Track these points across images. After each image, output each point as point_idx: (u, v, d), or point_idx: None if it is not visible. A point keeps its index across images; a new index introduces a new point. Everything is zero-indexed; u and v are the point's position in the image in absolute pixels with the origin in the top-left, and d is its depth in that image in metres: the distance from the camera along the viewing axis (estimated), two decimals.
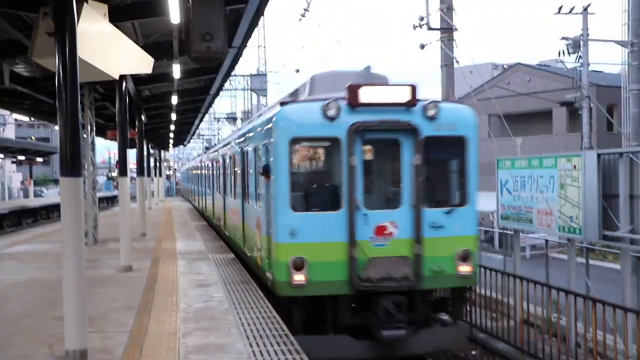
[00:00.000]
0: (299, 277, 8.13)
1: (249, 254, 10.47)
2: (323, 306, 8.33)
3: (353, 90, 8.20)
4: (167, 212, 28.18)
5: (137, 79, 14.11)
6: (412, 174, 8.37)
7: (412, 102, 8.28)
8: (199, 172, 25.89)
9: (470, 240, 8.51)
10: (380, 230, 8.35)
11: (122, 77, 10.87)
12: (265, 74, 38.45)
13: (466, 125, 8.60)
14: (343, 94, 8.30)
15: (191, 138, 43.53)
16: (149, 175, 27.18)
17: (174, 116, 21.25)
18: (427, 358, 9.44)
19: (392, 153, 8.55)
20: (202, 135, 58.62)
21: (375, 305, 8.22)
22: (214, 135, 57.84)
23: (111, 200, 52.34)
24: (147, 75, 13.56)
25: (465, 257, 8.52)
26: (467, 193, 8.61)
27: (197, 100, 19.18)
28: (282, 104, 8.56)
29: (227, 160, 13.62)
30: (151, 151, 33.27)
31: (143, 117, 18.07)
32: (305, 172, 8.69)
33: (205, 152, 28.59)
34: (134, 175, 25.68)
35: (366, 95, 8.23)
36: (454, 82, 14.32)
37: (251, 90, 38.54)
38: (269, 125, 8.63)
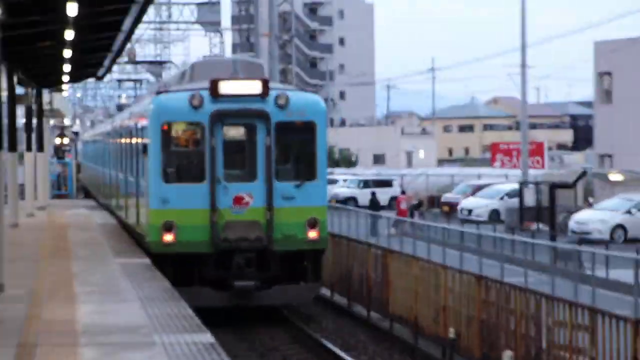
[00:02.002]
0: (168, 237, 19.50)
1: (135, 226, 23.18)
2: (190, 262, 19.63)
3: (214, 83, 19.66)
4: (57, 233, 27.89)
5: None
6: (265, 153, 19.74)
7: (264, 93, 19.72)
8: (123, 142, 28.06)
9: (318, 210, 20.05)
10: (238, 200, 19.74)
11: None
12: None
13: (314, 112, 20.19)
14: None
15: (114, 62, 40.47)
16: (13, 148, 25.12)
17: (73, 7, 19.63)
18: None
19: (248, 135, 20.18)
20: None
21: (231, 261, 19.57)
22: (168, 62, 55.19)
23: None
24: None
25: (313, 224, 19.83)
26: (317, 169, 20.14)
27: None
28: (158, 93, 20.91)
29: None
30: (19, 92, 30.89)
31: None
32: (176, 150, 20.46)
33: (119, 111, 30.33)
34: None
35: (225, 87, 19.65)
36: None
37: None
38: (146, 111, 20.96)
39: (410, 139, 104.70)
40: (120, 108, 44.42)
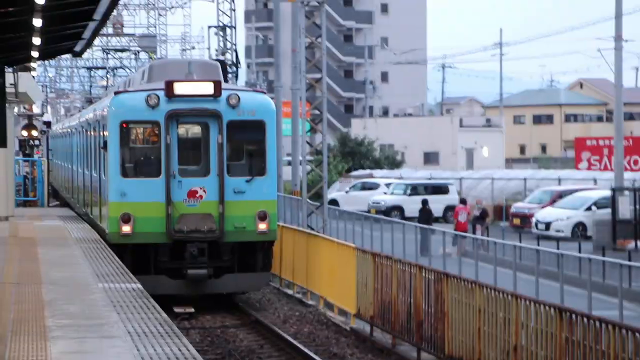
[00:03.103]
0: (126, 228, 28.15)
1: (97, 221, 32.12)
2: (147, 252, 28.32)
3: (169, 84, 27.87)
4: (25, 250, 28.29)
5: None
6: (217, 150, 28.14)
7: (217, 94, 27.90)
8: (87, 138, 36.55)
9: (268, 204, 28.73)
10: (192, 194, 28.24)
11: None
12: None
13: (264, 111, 28.86)
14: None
15: (96, 34, 40.95)
16: None
17: None
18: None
19: (202, 133, 28.75)
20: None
21: (185, 251, 28.11)
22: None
23: None
24: None
25: (263, 217, 28.35)
26: (266, 165, 28.90)
27: None
28: (116, 93, 30.28)
29: None
30: None
31: None
32: (134, 147, 29.26)
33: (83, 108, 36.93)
34: None
35: (179, 88, 27.91)
36: None
37: None
38: (105, 110, 30.25)
39: (471, 133, 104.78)
40: (90, 101, 53.81)
